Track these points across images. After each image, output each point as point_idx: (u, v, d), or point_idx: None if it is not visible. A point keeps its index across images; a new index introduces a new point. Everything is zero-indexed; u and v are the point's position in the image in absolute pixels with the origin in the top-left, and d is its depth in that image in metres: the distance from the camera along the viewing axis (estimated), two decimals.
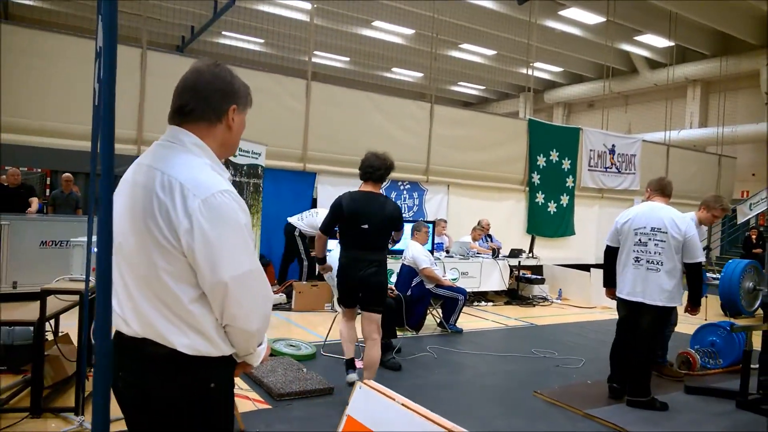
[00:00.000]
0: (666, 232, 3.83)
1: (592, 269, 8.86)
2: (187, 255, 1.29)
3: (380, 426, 1.89)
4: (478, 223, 8.74)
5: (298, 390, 3.85)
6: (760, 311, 4.37)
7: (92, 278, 2.48)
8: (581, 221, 10.94)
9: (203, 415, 1.37)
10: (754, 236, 11.75)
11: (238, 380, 4.07)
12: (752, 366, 4.12)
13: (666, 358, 4.81)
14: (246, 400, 3.71)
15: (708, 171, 13.56)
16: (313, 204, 8.21)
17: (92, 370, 3.72)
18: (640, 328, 3.99)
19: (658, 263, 3.85)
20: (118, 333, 1.41)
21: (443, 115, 9.45)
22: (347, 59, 17.99)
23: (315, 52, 16.41)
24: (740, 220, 12.55)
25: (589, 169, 11.17)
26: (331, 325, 5.22)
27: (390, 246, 4.00)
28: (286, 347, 4.87)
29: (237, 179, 5.89)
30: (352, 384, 3.53)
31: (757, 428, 3.61)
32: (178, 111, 1.43)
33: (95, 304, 3.67)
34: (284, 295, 6.97)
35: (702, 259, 3.86)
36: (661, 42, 14.59)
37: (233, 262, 1.30)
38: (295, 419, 3.45)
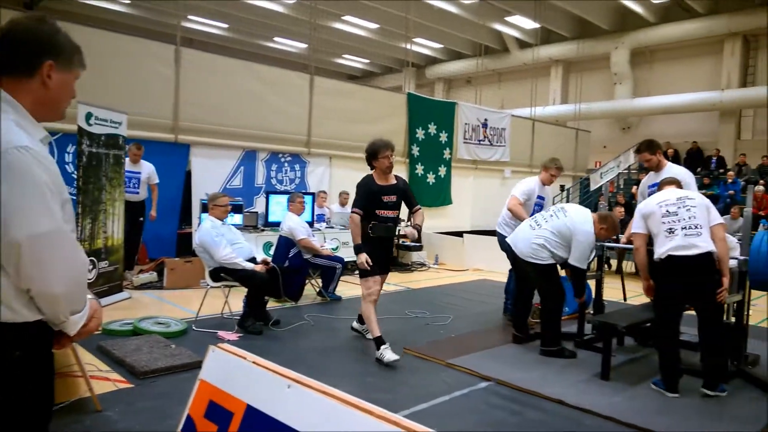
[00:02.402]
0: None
1: (465, 235, 9.48)
2: None
3: (231, 385, 1.91)
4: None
5: (164, 366, 3.72)
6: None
7: None
8: (458, 191, 11.59)
9: (12, 385, 1.30)
10: (602, 202, 13.29)
11: (96, 362, 3.86)
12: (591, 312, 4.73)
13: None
14: (105, 381, 3.51)
15: (567, 144, 15.00)
16: (187, 177, 7.81)
17: None
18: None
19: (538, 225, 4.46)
20: None
21: (325, 87, 9.37)
22: (226, 26, 17.08)
23: (189, 17, 15.38)
24: (593, 186, 14.12)
25: (464, 142, 11.81)
26: (203, 300, 5.08)
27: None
28: (154, 325, 4.65)
29: (94, 150, 5.41)
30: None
31: (590, 363, 4.14)
32: None
33: None
34: (155, 273, 6.60)
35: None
36: (529, 24, 15.69)
37: (28, 221, 1.23)
38: (159, 395, 3.34)
